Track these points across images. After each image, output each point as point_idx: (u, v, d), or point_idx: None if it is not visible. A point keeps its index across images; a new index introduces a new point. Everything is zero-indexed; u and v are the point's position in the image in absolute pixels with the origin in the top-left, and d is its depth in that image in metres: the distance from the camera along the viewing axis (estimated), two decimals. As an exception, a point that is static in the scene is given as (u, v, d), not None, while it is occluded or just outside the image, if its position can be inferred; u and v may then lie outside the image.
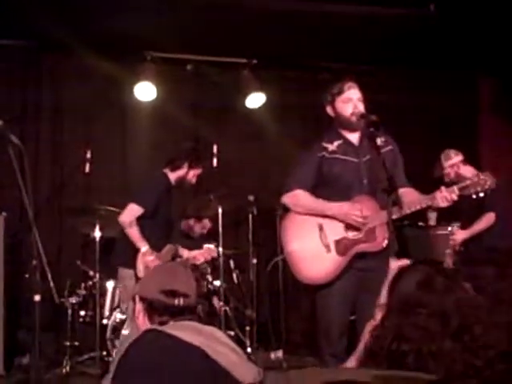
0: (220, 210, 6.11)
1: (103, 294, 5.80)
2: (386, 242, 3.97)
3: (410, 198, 4.13)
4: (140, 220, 5.34)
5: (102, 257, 5.82)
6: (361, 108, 4.18)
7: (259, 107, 7.33)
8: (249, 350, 6.06)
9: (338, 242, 4.11)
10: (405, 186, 4.27)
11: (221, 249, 6.01)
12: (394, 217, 3.82)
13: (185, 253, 5.87)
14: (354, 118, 4.15)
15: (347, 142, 4.25)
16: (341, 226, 4.11)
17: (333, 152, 4.22)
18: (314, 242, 4.15)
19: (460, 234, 6.04)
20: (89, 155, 6.23)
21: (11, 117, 6.04)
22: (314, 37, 6.73)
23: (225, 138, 6.96)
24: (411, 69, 7.69)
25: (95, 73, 6.85)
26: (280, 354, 6.06)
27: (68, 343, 5.71)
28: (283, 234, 4.32)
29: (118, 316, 5.54)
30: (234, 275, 6.56)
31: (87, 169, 6.24)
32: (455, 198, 3.86)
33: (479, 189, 3.83)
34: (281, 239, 4.34)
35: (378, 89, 7.65)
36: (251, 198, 6.52)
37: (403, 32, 6.65)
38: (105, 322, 5.65)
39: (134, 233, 5.30)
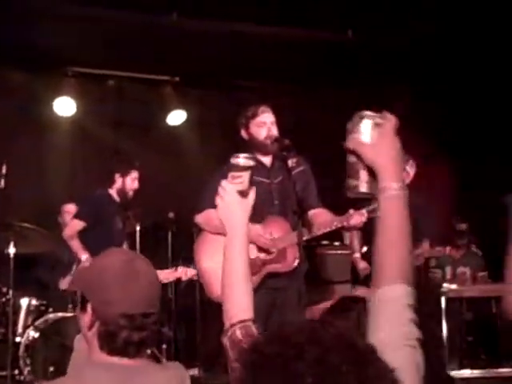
0: (138, 228, 6.11)
1: (17, 311, 5.67)
2: (296, 262, 4.03)
3: (322, 219, 4.22)
4: (82, 233, 5.63)
5: (17, 274, 5.71)
6: (274, 131, 4.27)
7: (180, 124, 7.37)
8: (178, 363, 6.02)
9: (249, 262, 4.12)
10: (316, 207, 4.35)
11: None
12: (305, 238, 3.91)
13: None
14: (267, 142, 4.21)
15: (259, 164, 4.27)
16: (253, 246, 4.11)
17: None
18: None
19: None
20: (4, 170, 6.11)
21: None
22: (236, 56, 6.81)
23: (145, 155, 6.93)
24: (334, 89, 7.87)
25: (14, 87, 6.76)
26: (196, 371, 6.07)
27: (-22, 361, 5.59)
28: (196, 253, 4.37)
29: (31, 334, 5.44)
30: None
31: (2, 184, 6.13)
32: (364, 220, 3.98)
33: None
34: (195, 256, 4.38)
35: (298, 108, 7.83)
36: (171, 215, 6.53)
37: (323, 54, 6.82)
38: (18, 339, 5.53)
39: (75, 244, 5.60)
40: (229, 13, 6.04)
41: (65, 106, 6.87)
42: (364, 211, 3.98)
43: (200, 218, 4.35)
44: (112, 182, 5.83)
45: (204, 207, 4.26)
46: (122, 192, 5.82)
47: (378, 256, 1.57)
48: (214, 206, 4.24)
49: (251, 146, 4.33)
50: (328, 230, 4.09)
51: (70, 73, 6.86)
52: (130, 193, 5.86)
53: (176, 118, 7.33)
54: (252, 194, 2.12)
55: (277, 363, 1.11)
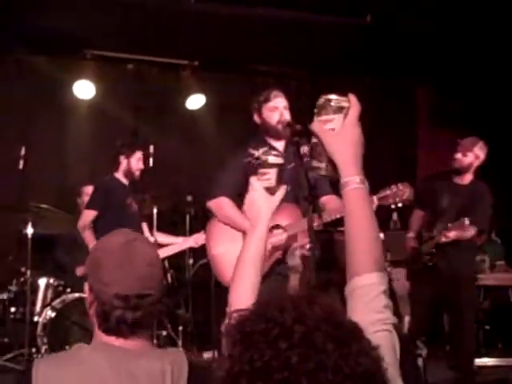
0: (155, 211, 6.14)
1: (35, 290, 5.76)
2: (307, 247, 3.94)
3: (332, 205, 4.22)
4: (98, 222, 5.65)
5: (35, 254, 5.79)
6: (287, 116, 4.25)
7: (199, 108, 7.39)
8: (181, 349, 6.07)
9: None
10: (328, 193, 4.34)
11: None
12: (315, 224, 3.91)
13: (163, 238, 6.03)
14: (279, 126, 4.21)
15: (272, 149, 4.19)
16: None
17: (258, 158, 4.25)
18: (237, 246, 4.18)
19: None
20: (23, 152, 6.18)
21: None
22: (254, 41, 6.80)
23: (164, 139, 6.97)
24: (350, 76, 7.84)
25: (34, 70, 6.81)
26: (211, 354, 6.11)
27: (-3, 339, 5.72)
28: (208, 238, 4.41)
29: (49, 313, 5.52)
30: (169, 275, 6.58)
31: (21, 165, 6.21)
32: (373, 207, 3.82)
33: (397, 199, 3.93)
34: (206, 243, 4.44)
35: (316, 95, 7.81)
36: (189, 198, 6.57)
37: (341, 40, 6.79)
38: (36, 319, 5.62)
39: (87, 235, 5.57)
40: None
41: (84, 89, 6.91)
42: (374, 198, 3.92)
43: (212, 204, 4.36)
44: (118, 164, 5.88)
45: (217, 194, 4.31)
46: (129, 173, 5.88)
47: (349, 246, 1.60)
48: (227, 194, 4.39)
49: (264, 131, 4.35)
50: (338, 216, 4.01)
51: (89, 56, 6.90)
52: (137, 173, 5.91)
53: (195, 102, 7.35)
54: (280, 192, 2.16)
55: (263, 341, 1.14)
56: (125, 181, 5.90)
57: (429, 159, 8.59)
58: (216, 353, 6.08)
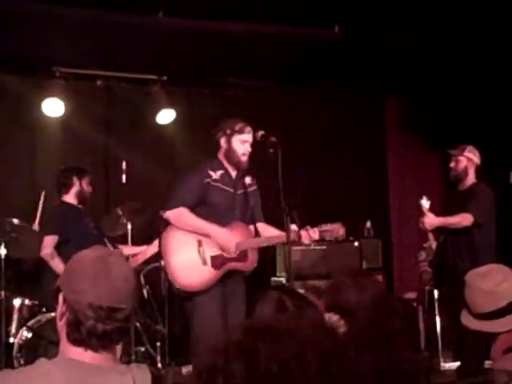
0: (129, 226, 6.14)
1: (9, 311, 5.70)
2: (255, 264, 4.72)
3: (268, 230, 4.94)
4: (61, 248, 5.66)
5: (8, 274, 5.73)
6: (249, 149, 4.78)
7: (169, 123, 7.39)
8: (159, 365, 6.06)
9: (214, 258, 4.67)
10: (262, 220, 5.01)
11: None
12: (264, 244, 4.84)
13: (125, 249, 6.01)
14: (243, 158, 4.76)
15: (228, 174, 4.81)
16: (219, 243, 4.68)
17: (216, 180, 4.76)
18: (191, 254, 4.66)
19: (431, 218, 5.52)
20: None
21: None
22: (223, 54, 6.83)
23: (135, 154, 6.97)
24: (317, 87, 7.92)
25: (3, 88, 6.77)
26: (191, 368, 6.09)
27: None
28: (164, 247, 4.75)
29: (24, 334, 5.46)
30: (145, 291, 6.54)
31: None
32: (316, 237, 4.67)
33: (334, 235, 4.69)
34: (162, 251, 4.76)
35: (285, 106, 7.88)
36: (162, 213, 6.55)
37: (310, 51, 6.84)
38: (11, 340, 5.54)
39: (56, 263, 5.58)
40: (215, 11, 6.05)
41: (53, 107, 6.86)
42: (316, 230, 4.65)
43: (171, 214, 4.73)
44: (69, 185, 5.96)
45: (176, 205, 4.71)
46: (81, 195, 5.99)
47: None
48: (186, 206, 4.64)
49: (225, 156, 4.82)
50: (280, 241, 4.73)
51: (57, 74, 6.85)
52: (87, 196, 6.05)
53: (165, 116, 7.34)
54: None
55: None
56: (75, 202, 5.97)
57: (398, 165, 8.71)
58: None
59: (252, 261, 4.73)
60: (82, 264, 1.99)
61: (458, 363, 5.61)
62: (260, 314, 2.08)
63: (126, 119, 7.40)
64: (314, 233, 4.61)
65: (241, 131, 4.74)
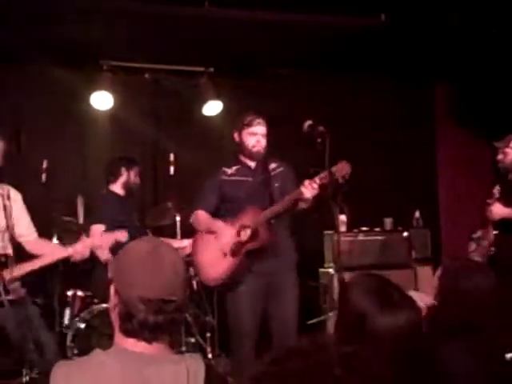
0: (178, 218, 6.18)
1: (63, 302, 5.79)
2: (266, 238, 4.76)
3: None
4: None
5: (61, 265, 5.82)
6: (263, 143, 4.92)
7: (216, 115, 7.40)
8: (209, 356, 6.10)
9: (231, 247, 4.80)
10: None
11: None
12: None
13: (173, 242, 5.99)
14: (254, 150, 4.89)
15: (245, 166, 5.01)
16: (233, 233, 4.82)
17: (231, 175, 4.99)
18: (214, 250, 4.90)
19: (499, 208, 5.44)
20: (45, 164, 6.22)
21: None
22: (269, 44, 6.81)
23: (182, 146, 7.01)
24: (369, 74, 7.83)
25: (51, 83, 6.87)
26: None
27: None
28: (192, 248, 5.15)
29: (77, 324, 5.55)
30: (194, 282, 6.58)
31: (44, 178, 6.24)
32: (316, 187, 4.54)
33: (339, 175, 4.52)
34: (192, 251, 5.14)
35: (333, 95, 7.83)
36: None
37: (356, 41, 6.78)
38: (64, 330, 5.64)
39: (102, 253, 5.60)
40: (260, 1, 6.04)
41: (102, 100, 6.95)
42: (316, 178, 4.54)
43: (191, 218, 5.11)
44: (117, 175, 6.03)
45: (196, 208, 5.04)
46: (128, 185, 6.04)
47: None
48: (205, 208, 4.95)
49: (239, 150, 5.00)
50: (284, 205, 4.72)
51: (105, 67, 6.92)
52: (134, 187, 6.10)
53: (212, 108, 7.36)
54: None
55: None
56: (122, 193, 6.02)
57: (448, 158, 8.58)
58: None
59: (263, 236, 4.77)
60: (132, 256, 2.01)
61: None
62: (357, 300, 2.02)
63: (174, 111, 7.43)
64: (314, 182, 4.55)
65: (249, 124, 4.88)
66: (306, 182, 4.55)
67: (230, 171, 5.00)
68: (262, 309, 4.89)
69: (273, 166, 5.03)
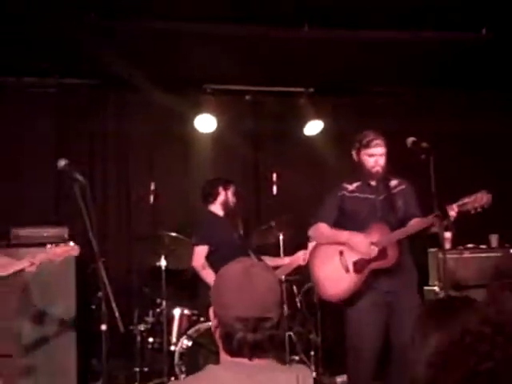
0: (281, 237, 6.24)
1: (170, 321, 5.94)
2: (395, 259, 4.65)
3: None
4: (209, 258, 5.86)
5: (168, 285, 5.99)
6: (381, 163, 4.81)
7: (317, 134, 7.45)
8: (314, 374, 6.10)
9: (355, 263, 4.75)
10: (418, 216, 4.86)
11: (283, 276, 6.08)
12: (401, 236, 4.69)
13: (275, 261, 6.07)
14: (373, 170, 4.80)
15: (365, 183, 4.91)
16: (365, 243, 4.72)
17: (352, 191, 4.91)
18: (335, 265, 4.81)
19: None
20: (153, 187, 6.43)
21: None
22: (368, 63, 6.81)
23: (284, 166, 7.09)
24: (468, 92, 7.70)
25: (157, 107, 7.09)
26: (345, 378, 6.08)
27: (138, 369, 5.97)
28: (311, 262, 5.04)
29: (185, 342, 5.67)
30: (298, 300, 6.62)
31: (151, 200, 6.45)
32: (454, 214, 4.46)
33: (477, 205, 4.43)
34: (310, 265, 5.03)
35: (434, 111, 7.72)
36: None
37: (457, 55, 6.70)
38: (172, 348, 5.78)
39: (207, 274, 5.74)
40: (358, 20, 6.05)
41: (205, 123, 7.12)
42: (454, 205, 4.47)
43: (311, 231, 5.06)
44: (215, 195, 6.15)
45: (315, 221, 4.99)
46: (226, 205, 6.16)
47: None
48: (325, 221, 4.91)
49: (359, 169, 4.90)
50: (416, 228, 4.67)
51: (208, 90, 7.10)
52: (232, 206, 6.19)
53: (313, 128, 7.41)
54: None
55: None
56: (221, 213, 6.13)
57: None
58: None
59: (392, 256, 4.67)
60: (226, 278, 2.10)
61: None
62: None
63: (275, 132, 7.53)
64: (453, 210, 4.45)
65: (367, 145, 4.79)
66: (448, 208, 4.48)
67: (350, 187, 4.94)
68: (384, 323, 4.77)
69: (394, 183, 4.96)
